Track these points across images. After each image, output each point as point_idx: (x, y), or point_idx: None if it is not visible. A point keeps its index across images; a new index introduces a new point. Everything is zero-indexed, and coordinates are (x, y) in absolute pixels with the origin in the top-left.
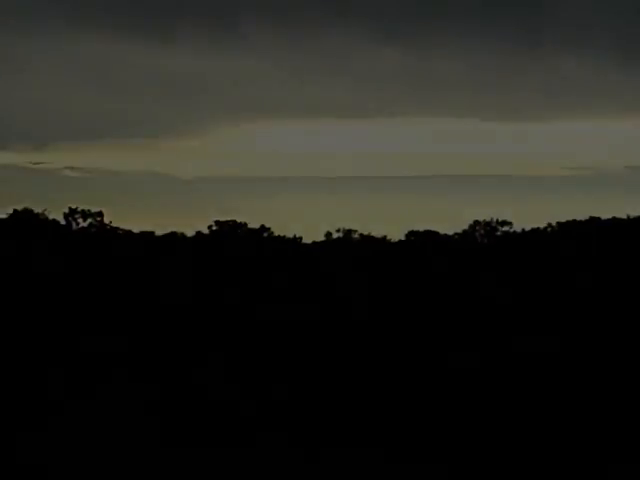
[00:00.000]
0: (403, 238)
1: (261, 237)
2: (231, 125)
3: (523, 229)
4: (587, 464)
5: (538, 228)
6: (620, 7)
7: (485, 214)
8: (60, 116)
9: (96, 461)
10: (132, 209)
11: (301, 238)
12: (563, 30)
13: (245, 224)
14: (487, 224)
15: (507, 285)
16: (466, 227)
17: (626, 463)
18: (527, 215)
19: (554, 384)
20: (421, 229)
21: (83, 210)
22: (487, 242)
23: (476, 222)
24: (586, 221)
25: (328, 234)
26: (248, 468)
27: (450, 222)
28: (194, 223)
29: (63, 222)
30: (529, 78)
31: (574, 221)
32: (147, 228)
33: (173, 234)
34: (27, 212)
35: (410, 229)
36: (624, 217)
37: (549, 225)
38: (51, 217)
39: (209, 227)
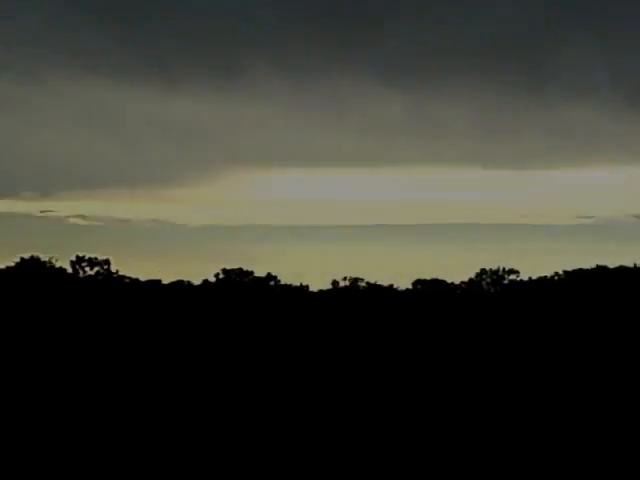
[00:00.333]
0: (410, 287)
1: (268, 285)
2: (236, 173)
3: (530, 277)
4: None
5: (545, 277)
6: (626, 56)
7: (492, 263)
8: (67, 164)
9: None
10: (139, 257)
11: (308, 286)
12: (567, 78)
13: (252, 272)
14: (494, 272)
15: (514, 333)
16: (473, 275)
17: None
18: (534, 263)
19: (555, 434)
20: (428, 277)
21: (90, 258)
22: (494, 291)
23: (483, 270)
24: (593, 270)
25: (335, 282)
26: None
27: (457, 270)
28: (201, 271)
29: (70, 270)
30: (534, 126)
31: (581, 270)
32: (154, 276)
33: (180, 282)
34: (34, 260)
35: (417, 278)
36: (631, 266)
37: (556, 274)
38: (58, 265)
39: (216, 275)
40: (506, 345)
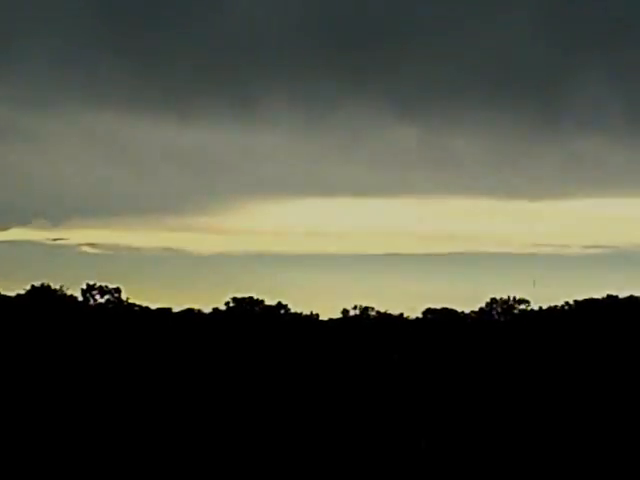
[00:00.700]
0: (420, 315)
1: (278, 314)
2: (247, 202)
3: (540, 307)
4: None
5: (555, 306)
6: (636, 88)
7: (502, 292)
8: (78, 193)
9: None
10: (149, 285)
11: (318, 315)
12: (582, 110)
13: (262, 301)
14: (504, 302)
15: (526, 362)
16: (483, 305)
17: None
18: (544, 293)
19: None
20: (438, 306)
21: (101, 286)
22: (504, 320)
23: (493, 300)
24: (603, 299)
25: (345, 311)
26: None
27: (467, 300)
28: (211, 300)
29: (81, 298)
30: (547, 157)
31: (591, 299)
32: (164, 305)
33: (190, 311)
34: (45, 288)
35: (427, 306)
36: None
37: (566, 303)
38: (69, 293)
39: (226, 304)
40: (516, 374)
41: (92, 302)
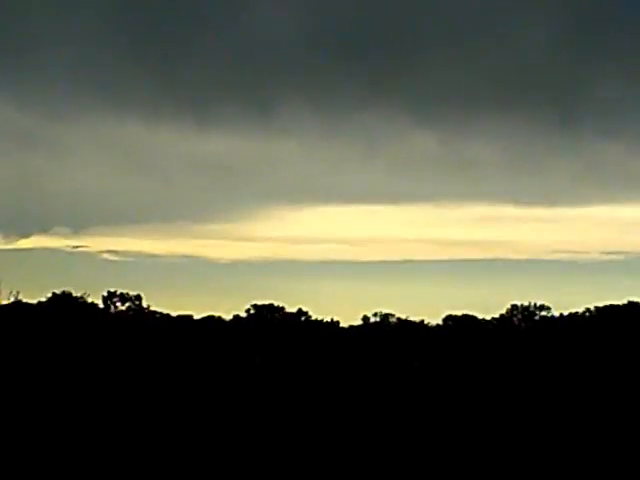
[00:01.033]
0: (441, 322)
1: (299, 320)
2: (267, 209)
3: (561, 313)
4: None
5: (577, 312)
6: None
7: (523, 298)
8: (99, 200)
9: None
10: (170, 292)
11: (338, 322)
12: (599, 115)
13: (283, 307)
14: (525, 308)
15: (548, 368)
16: (504, 311)
17: None
18: (565, 299)
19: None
20: (459, 313)
21: (122, 293)
22: (525, 326)
23: (514, 306)
24: (624, 305)
25: (365, 318)
26: None
27: (488, 306)
28: (232, 307)
29: (101, 305)
30: (565, 162)
31: (612, 305)
32: (185, 312)
33: (211, 317)
34: (66, 295)
35: (448, 313)
36: None
37: (587, 309)
38: (90, 300)
39: (247, 311)
40: (539, 380)
41: (113, 309)
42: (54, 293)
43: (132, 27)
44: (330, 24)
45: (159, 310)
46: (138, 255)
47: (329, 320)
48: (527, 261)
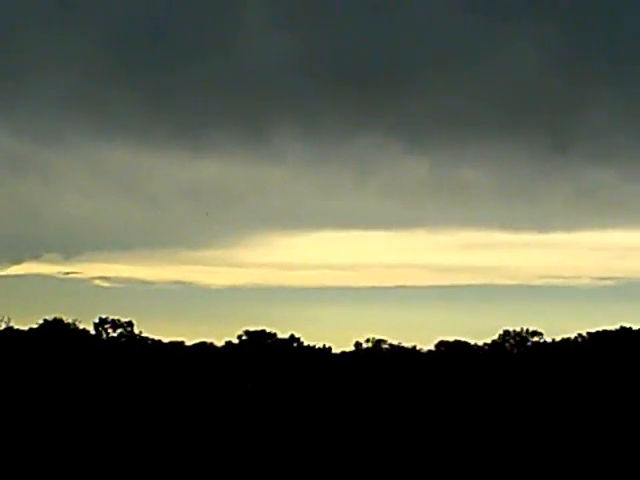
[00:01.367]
0: (433, 348)
1: (291, 347)
2: (259, 235)
3: (553, 339)
4: None
5: (569, 338)
6: None
7: (514, 324)
8: (90, 227)
9: None
10: (162, 319)
11: (330, 348)
12: (590, 141)
13: (275, 334)
14: (517, 334)
15: (540, 394)
16: (496, 337)
17: None
18: (557, 325)
19: None
20: (451, 339)
21: (113, 320)
22: (517, 352)
23: (506, 332)
24: (617, 331)
25: (357, 344)
26: None
27: (480, 332)
28: (224, 333)
29: (93, 332)
30: (556, 188)
31: (604, 331)
32: (177, 338)
33: (203, 344)
34: (58, 322)
35: (440, 339)
36: None
37: (579, 335)
38: (81, 327)
39: (239, 337)
40: (530, 406)
41: (105, 336)
42: (45, 320)
43: (127, 54)
44: (323, 52)
45: (151, 336)
46: (130, 281)
47: (321, 346)
48: (519, 286)
